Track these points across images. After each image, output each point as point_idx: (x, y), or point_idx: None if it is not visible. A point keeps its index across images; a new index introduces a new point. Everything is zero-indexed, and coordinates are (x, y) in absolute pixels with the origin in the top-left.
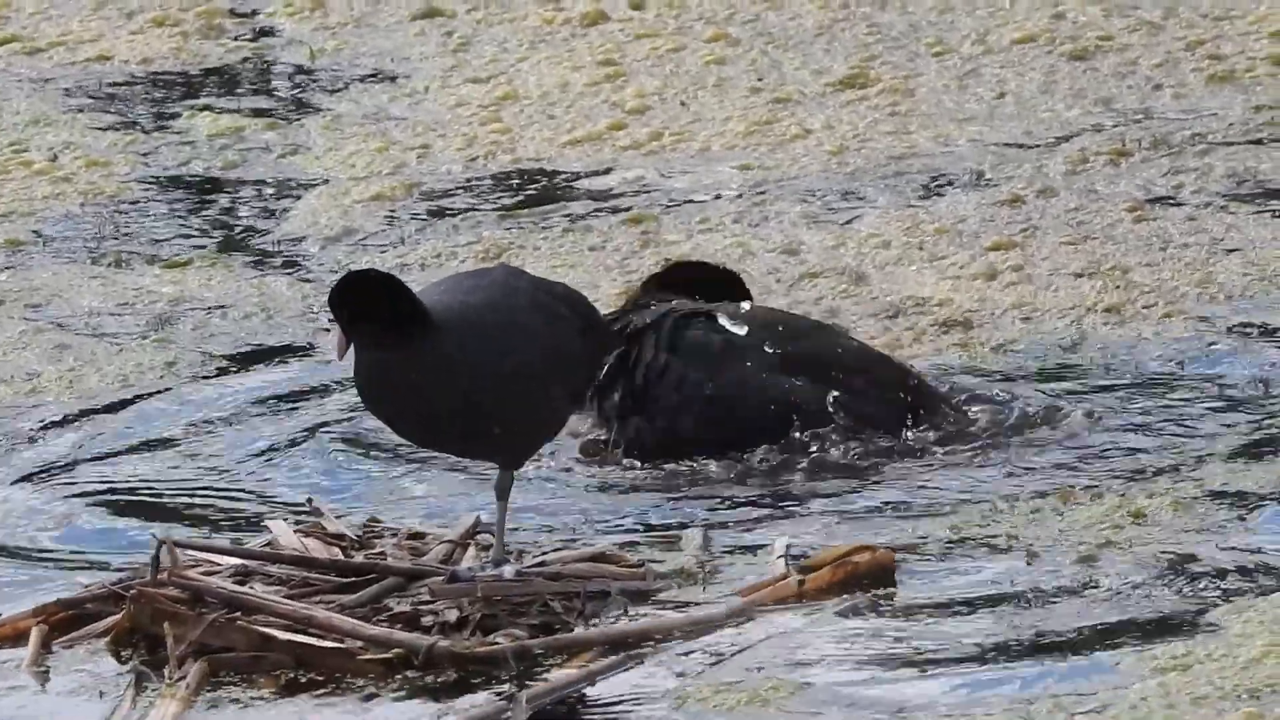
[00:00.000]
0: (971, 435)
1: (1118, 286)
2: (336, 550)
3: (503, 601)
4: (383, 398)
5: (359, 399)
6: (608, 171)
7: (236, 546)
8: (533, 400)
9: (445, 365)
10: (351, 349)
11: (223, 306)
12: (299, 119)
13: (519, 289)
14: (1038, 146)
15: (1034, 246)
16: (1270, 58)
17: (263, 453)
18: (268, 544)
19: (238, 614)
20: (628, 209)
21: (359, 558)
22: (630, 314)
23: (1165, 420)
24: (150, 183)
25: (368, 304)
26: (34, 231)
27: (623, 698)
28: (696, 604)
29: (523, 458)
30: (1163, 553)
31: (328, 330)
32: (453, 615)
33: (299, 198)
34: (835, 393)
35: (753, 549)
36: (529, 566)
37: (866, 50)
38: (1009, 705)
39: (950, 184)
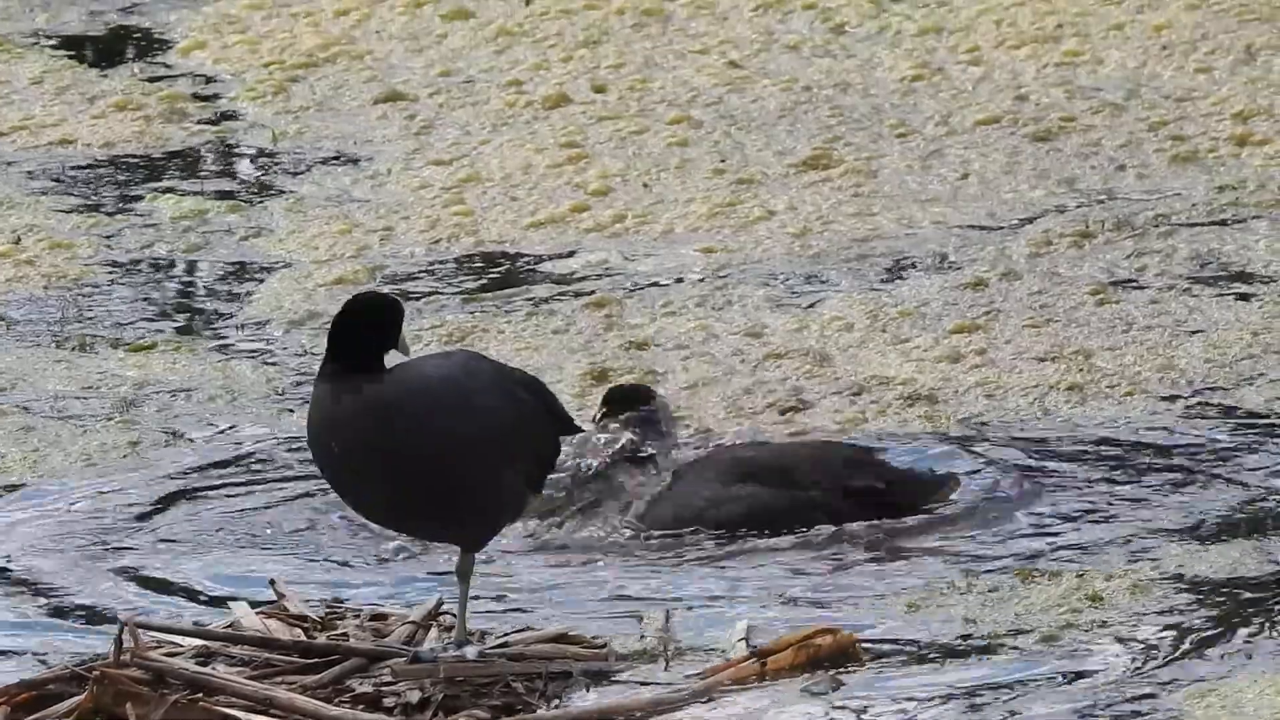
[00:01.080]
0: (928, 516)
1: (1080, 370)
2: (299, 631)
3: (465, 682)
4: (327, 439)
5: (315, 466)
6: (571, 254)
7: (199, 628)
8: (487, 477)
9: (389, 411)
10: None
11: (187, 389)
12: (262, 201)
13: (480, 370)
14: (1001, 228)
15: (997, 329)
16: (1233, 138)
17: (226, 534)
18: (230, 625)
19: (200, 695)
20: (591, 292)
21: (321, 639)
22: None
23: (1123, 500)
24: (114, 265)
25: (366, 319)
26: None
27: None
28: (658, 684)
29: (482, 539)
30: (1122, 636)
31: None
32: (415, 696)
33: (262, 280)
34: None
35: (715, 630)
36: (491, 647)
37: (829, 131)
38: None
39: (913, 266)
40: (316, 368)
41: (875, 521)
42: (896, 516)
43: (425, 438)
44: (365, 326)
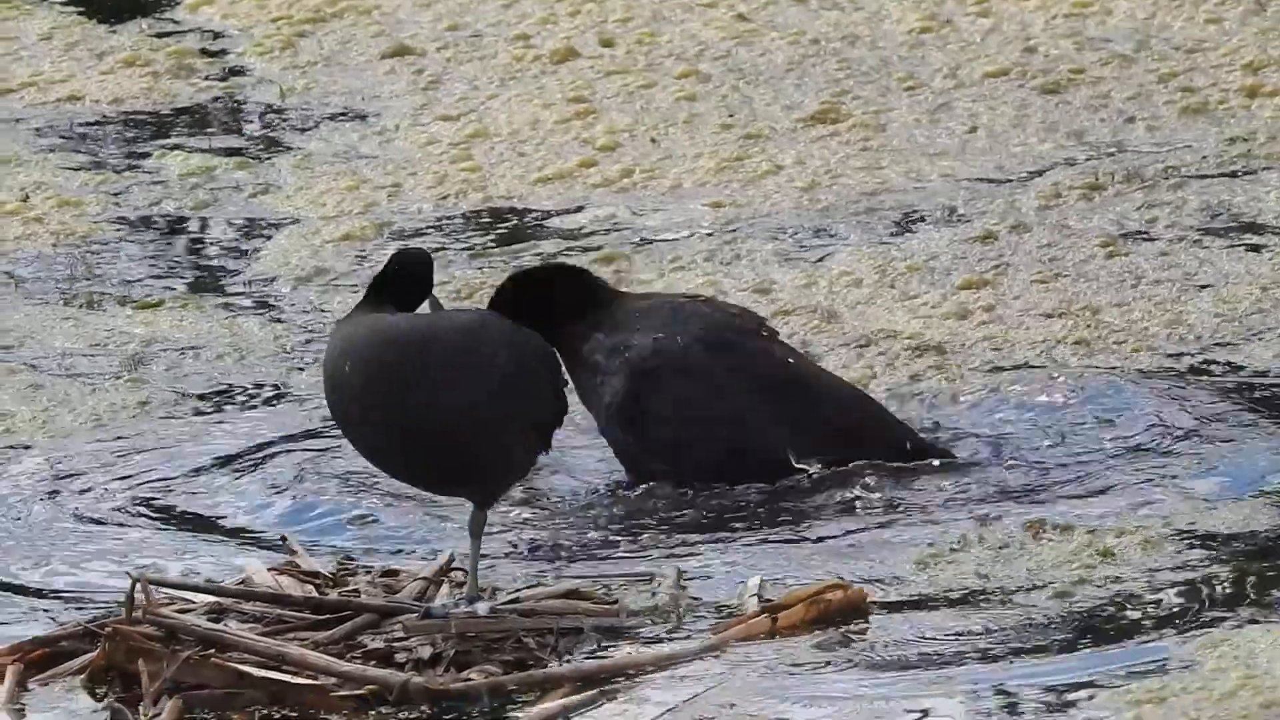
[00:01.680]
0: (938, 471)
1: (1088, 325)
2: (310, 587)
3: (476, 638)
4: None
5: (330, 417)
6: (579, 210)
7: (211, 584)
8: (498, 427)
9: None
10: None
11: (195, 347)
12: (270, 158)
13: (486, 329)
14: (1010, 181)
15: (1005, 284)
16: (1243, 89)
17: (237, 491)
18: (242, 582)
19: (212, 651)
20: (599, 247)
21: (333, 595)
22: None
23: (1133, 456)
24: (122, 223)
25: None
26: (5, 273)
27: None
28: (670, 640)
29: (494, 495)
30: (1134, 592)
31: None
32: (427, 652)
33: (270, 237)
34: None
35: (726, 586)
36: (502, 603)
37: (837, 85)
38: None
39: (922, 220)
40: (325, 324)
41: (883, 473)
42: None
43: (438, 371)
44: (403, 278)
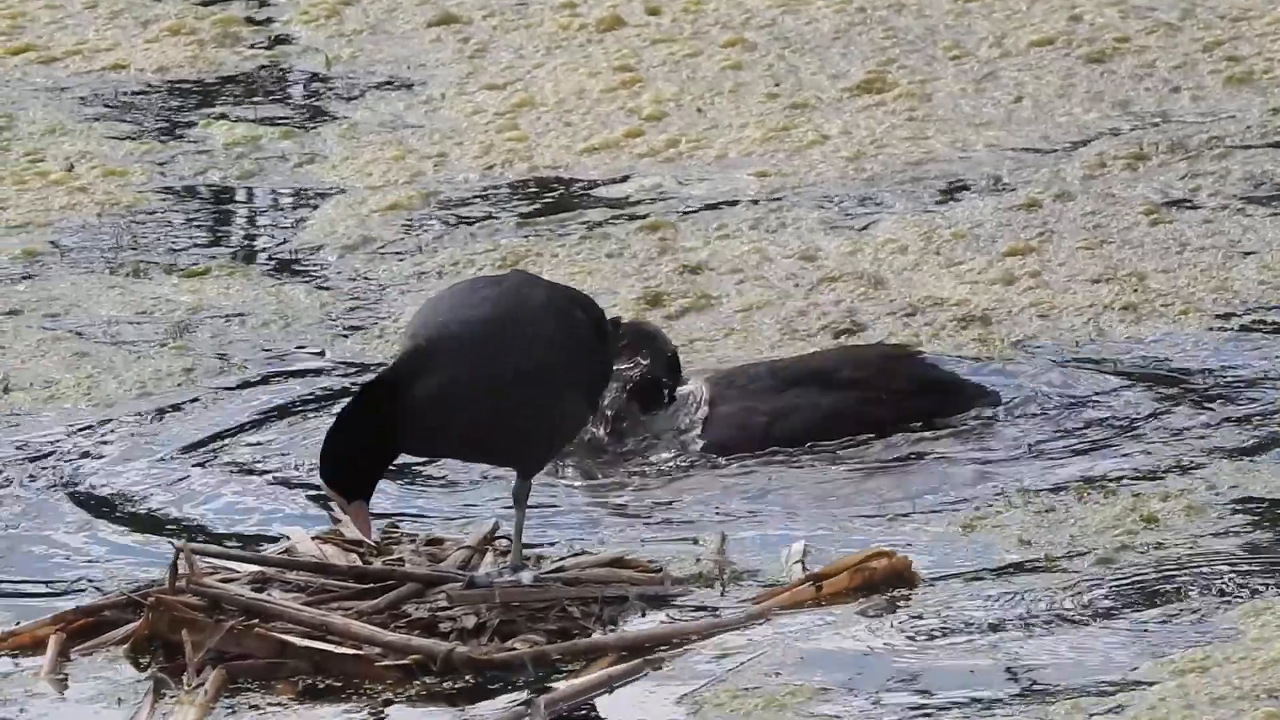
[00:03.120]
0: (981, 436)
1: (1134, 290)
2: (354, 557)
3: (520, 607)
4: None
5: None
6: (625, 179)
7: (254, 554)
8: (547, 406)
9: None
10: None
11: (241, 314)
12: (315, 127)
13: (532, 296)
14: (1055, 151)
15: (1050, 251)
16: None
17: (281, 459)
18: (286, 551)
19: (256, 621)
20: (645, 216)
21: (377, 564)
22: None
23: (1177, 421)
24: (167, 192)
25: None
26: (51, 242)
27: (640, 703)
28: (714, 609)
29: (539, 464)
30: (1178, 556)
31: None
32: (470, 621)
33: (316, 207)
34: (850, 396)
35: (770, 554)
36: (547, 572)
37: (883, 54)
38: (1026, 707)
39: (967, 189)
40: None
41: (925, 437)
42: (940, 416)
43: (481, 374)
44: None
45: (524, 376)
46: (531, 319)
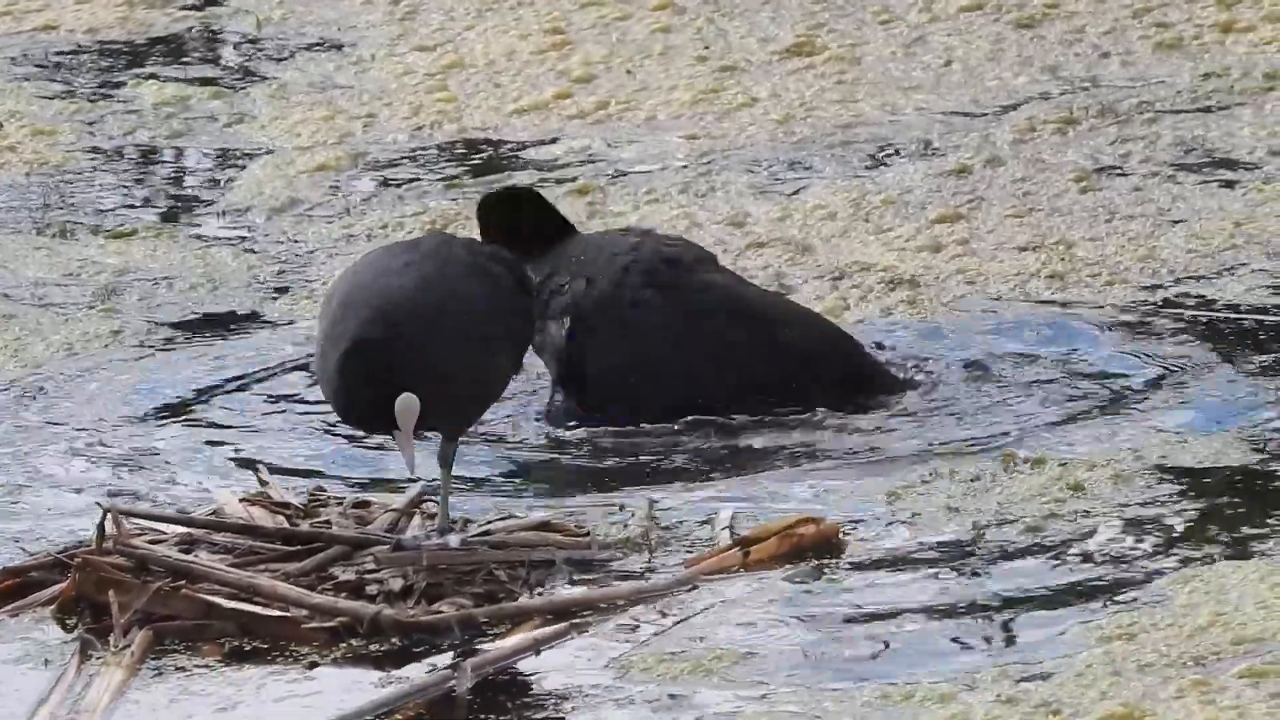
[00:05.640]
0: (910, 404)
1: (1062, 259)
2: (282, 519)
3: (448, 570)
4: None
5: (312, 374)
6: (554, 141)
7: (182, 515)
8: (482, 367)
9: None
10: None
11: (168, 276)
12: (245, 88)
13: (453, 256)
14: (984, 115)
15: (979, 218)
16: (1218, 25)
17: (208, 422)
18: (213, 512)
19: (183, 582)
20: (574, 179)
21: (304, 526)
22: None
23: (1104, 390)
24: (95, 152)
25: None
26: None
27: (567, 666)
28: (641, 573)
29: (468, 426)
30: (1105, 524)
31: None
32: (398, 584)
33: (244, 167)
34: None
35: (698, 519)
36: (474, 535)
37: (813, 18)
38: (953, 673)
39: (896, 154)
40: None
41: (853, 408)
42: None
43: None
44: None
45: (462, 340)
46: (462, 281)
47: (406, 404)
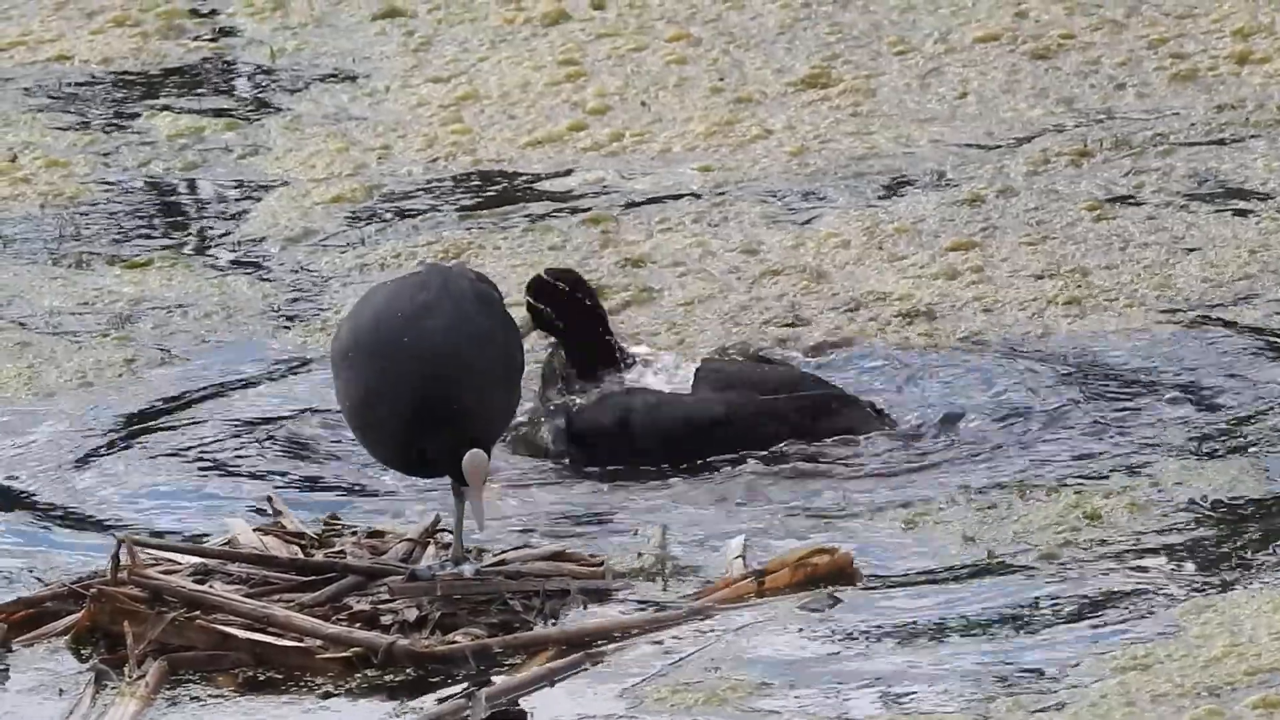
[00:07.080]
0: (923, 433)
1: (1078, 286)
2: (296, 549)
3: (462, 600)
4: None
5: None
6: (568, 172)
7: (196, 545)
8: (499, 397)
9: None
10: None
11: (183, 305)
12: (259, 119)
13: (461, 291)
14: (999, 146)
15: (994, 246)
16: (1233, 56)
17: (222, 451)
18: (227, 543)
19: (197, 613)
20: (587, 209)
21: (318, 556)
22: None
23: (1120, 418)
24: (110, 183)
25: None
26: None
27: (581, 697)
28: (656, 603)
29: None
30: (1120, 553)
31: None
32: (412, 614)
33: (259, 199)
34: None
35: (711, 548)
36: (488, 565)
37: (828, 50)
38: (967, 704)
39: (911, 184)
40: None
41: (864, 443)
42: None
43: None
44: None
45: (499, 376)
46: (480, 318)
47: (476, 462)
